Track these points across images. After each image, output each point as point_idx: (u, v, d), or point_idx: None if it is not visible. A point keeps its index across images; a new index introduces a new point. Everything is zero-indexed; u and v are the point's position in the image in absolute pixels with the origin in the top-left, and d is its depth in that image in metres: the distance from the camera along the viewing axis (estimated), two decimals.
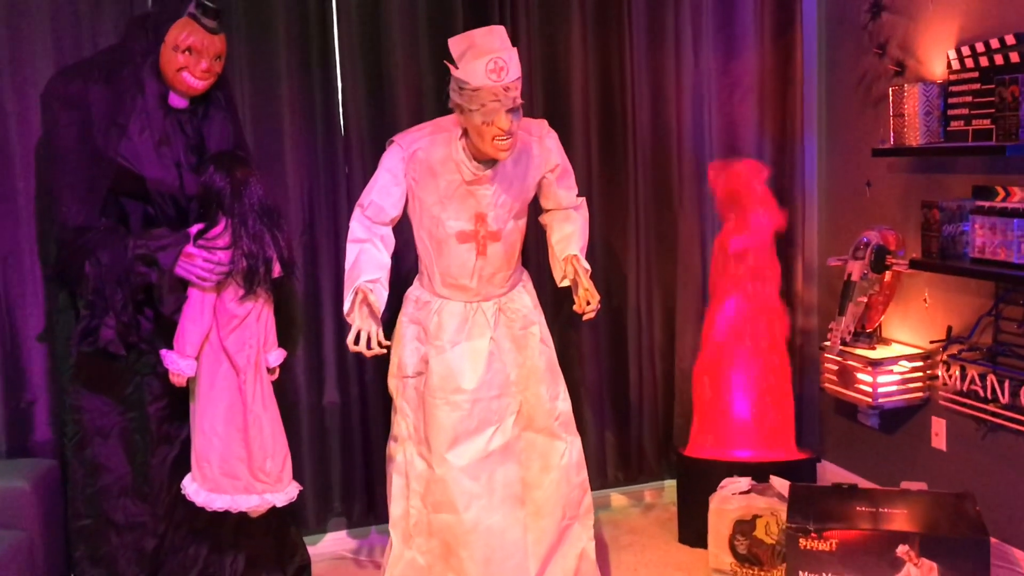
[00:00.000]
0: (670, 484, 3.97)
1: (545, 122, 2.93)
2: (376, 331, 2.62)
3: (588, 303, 2.75)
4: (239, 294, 2.80)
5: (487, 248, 2.80)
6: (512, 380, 2.89)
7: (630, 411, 3.88)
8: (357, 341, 2.60)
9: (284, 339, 3.27)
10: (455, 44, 2.62)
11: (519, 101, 2.61)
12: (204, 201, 2.80)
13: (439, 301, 2.87)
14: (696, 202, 3.85)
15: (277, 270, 2.86)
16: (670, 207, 3.86)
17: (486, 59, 2.53)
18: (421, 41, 3.48)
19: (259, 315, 2.88)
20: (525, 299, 2.95)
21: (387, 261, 2.75)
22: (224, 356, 2.83)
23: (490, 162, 2.75)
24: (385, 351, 2.64)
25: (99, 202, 2.72)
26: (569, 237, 2.89)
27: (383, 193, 2.76)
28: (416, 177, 2.77)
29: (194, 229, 2.76)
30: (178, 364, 2.78)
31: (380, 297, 2.66)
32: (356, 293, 2.62)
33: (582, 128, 3.71)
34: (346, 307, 2.63)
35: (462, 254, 2.80)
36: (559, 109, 3.68)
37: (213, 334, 2.82)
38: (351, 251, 2.74)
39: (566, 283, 2.87)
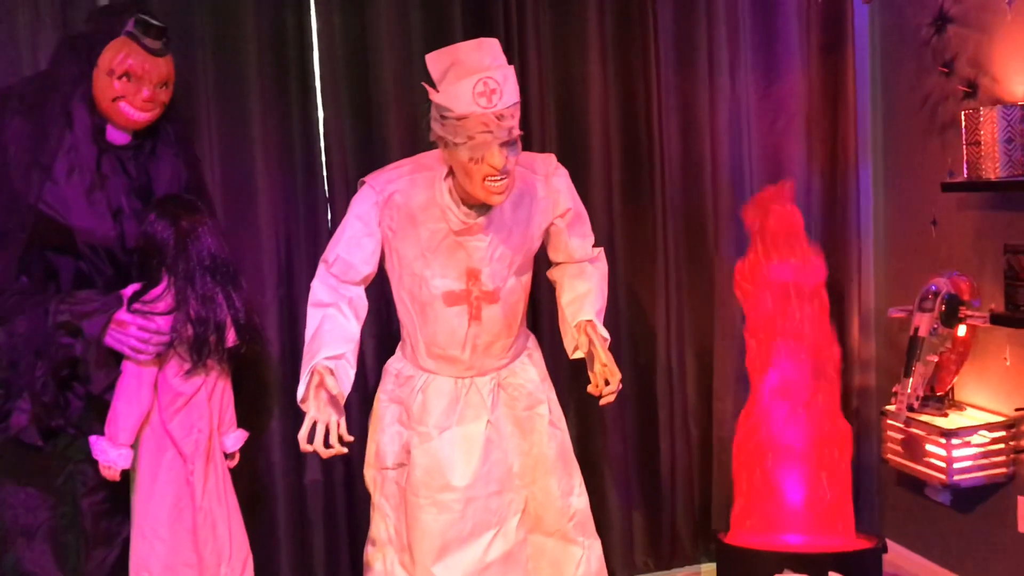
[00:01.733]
0: (708, 568, 3.45)
1: (553, 157, 2.45)
2: (336, 423, 2.10)
3: (607, 382, 2.23)
4: (184, 368, 2.33)
5: (482, 312, 2.32)
6: (516, 472, 2.40)
7: (661, 487, 3.38)
8: (312, 438, 2.08)
9: (256, 409, 2.83)
10: (435, 61, 2.15)
11: (516, 132, 2.13)
12: (144, 256, 2.34)
13: (424, 376, 2.39)
14: (735, 245, 3.36)
15: (232, 338, 2.39)
16: (704, 251, 3.38)
17: (473, 80, 2.06)
18: (415, 64, 3.02)
19: (211, 392, 2.41)
20: (530, 372, 2.46)
21: (355, 331, 2.25)
22: (169, 442, 2.37)
23: (483, 207, 2.27)
24: (346, 450, 2.13)
25: (14, 259, 2.27)
26: (583, 298, 2.39)
27: (352, 246, 2.28)
28: (393, 226, 2.30)
29: (129, 290, 2.31)
30: (108, 454, 2.31)
31: (344, 378, 2.17)
32: (312, 374, 2.12)
33: (602, 162, 3.25)
34: (300, 391, 2.12)
35: (450, 319, 2.32)
36: (575, 141, 3.22)
37: (155, 416, 2.35)
38: (311, 318, 2.26)
39: (580, 355, 2.36)
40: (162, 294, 2.30)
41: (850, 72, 3.35)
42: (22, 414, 2.28)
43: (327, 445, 2.08)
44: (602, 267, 2.53)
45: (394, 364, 2.47)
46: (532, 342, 2.56)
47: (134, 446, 2.35)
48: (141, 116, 2.34)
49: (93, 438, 2.33)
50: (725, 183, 3.35)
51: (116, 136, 2.38)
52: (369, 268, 2.31)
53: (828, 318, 3.22)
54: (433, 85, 2.14)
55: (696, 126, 3.33)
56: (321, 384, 2.11)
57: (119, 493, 2.45)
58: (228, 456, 2.51)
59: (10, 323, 2.25)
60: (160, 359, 2.33)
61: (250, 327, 2.43)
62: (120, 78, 2.29)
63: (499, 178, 2.13)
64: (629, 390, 3.31)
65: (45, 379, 2.27)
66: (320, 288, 2.29)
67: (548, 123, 3.19)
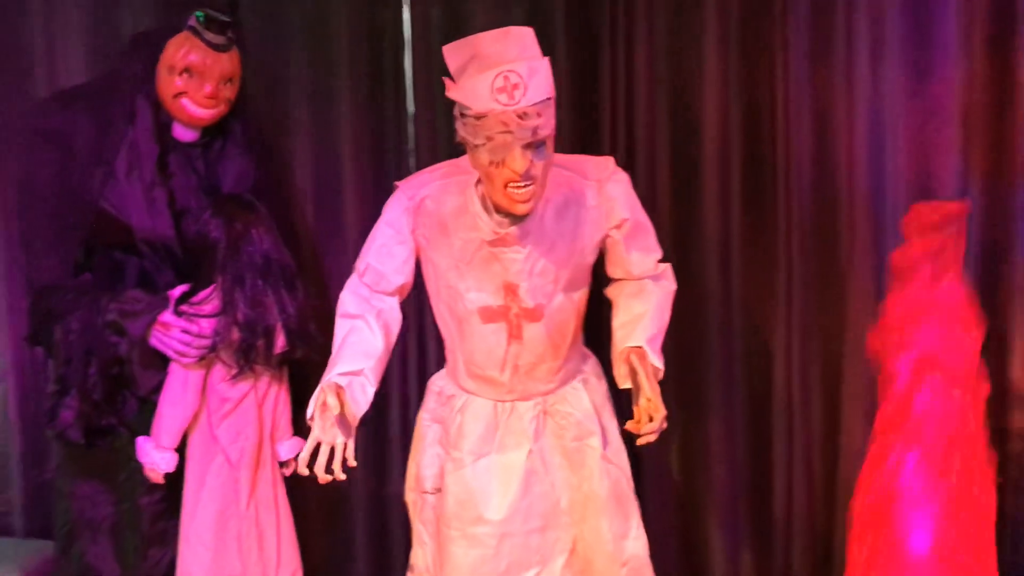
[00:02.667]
0: None
1: (611, 161, 2.20)
2: (343, 445, 1.92)
3: (651, 418, 1.96)
4: (231, 372, 2.26)
5: (522, 330, 2.11)
6: (564, 508, 2.18)
7: (774, 531, 3.03)
8: (314, 460, 1.91)
9: None
10: (453, 53, 1.95)
11: (544, 133, 1.91)
12: (196, 256, 2.30)
13: (464, 397, 2.21)
14: (872, 261, 2.96)
15: (281, 343, 2.30)
16: (834, 268, 2.99)
17: (493, 73, 1.85)
18: None
19: (262, 398, 2.34)
20: (582, 399, 2.23)
21: (379, 346, 2.07)
22: (218, 448, 2.31)
23: (516, 215, 2.06)
24: (344, 477, 1.93)
25: (71, 256, 2.28)
26: (636, 321, 2.13)
27: (383, 254, 2.13)
28: (426, 234, 2.13)
29: (177, 291, 2.27)
30: (152, 456, 2.28)
31: (357, 396, 1.99)
32: (322, 391, 1.95)
33: (718, 168, 2.93)
34: (310, 408, 1.97)
35: (487, 337, 2.14)
36: (687, 145, 2.93)
37: (204, 420, 2.30)
38: (338, 330, 2.11)
39: (629, 385, 2.10)
40: (210, 296, 2.25)
41: (1021, 69, 2.86)
42: (68, 411, 2.29)
43: (328, 470, 1.91)
44: (667, 286, 2.27)
45: (437, 381, 2.32)
46: (591, 366, 2.32)
47: (179, 449, 2.31)
48: (203, 113, 2.30)
49: (140, 439, 2.32)
50: (863, 192, 2.94)
51: (183, 133, 2.36)
52: (402, 278, 2.15)
53: (980, 350, 2.79)
54: (452, 78, 1.95)
55: (830, 129, 2.94)
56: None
57: (176, 494, 2.42)
58: (283, 464, 2.43)
59: (66, 320, 2.26)
60: (207, 362, 2.28)
61: (303, 333, 2.33)
62: (181, 74, 2.26)
63: (522, 184, 1.92)
64: (740, 420, 2.99)
65: (95, 377, 2.27)
66: (349, 298, 2.14)
67: (658, 124, 2.91)
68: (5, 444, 2.88)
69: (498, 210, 2.05)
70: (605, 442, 2.23)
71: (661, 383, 2.91)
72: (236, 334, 2.24)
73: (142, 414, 2.37)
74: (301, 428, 2.46)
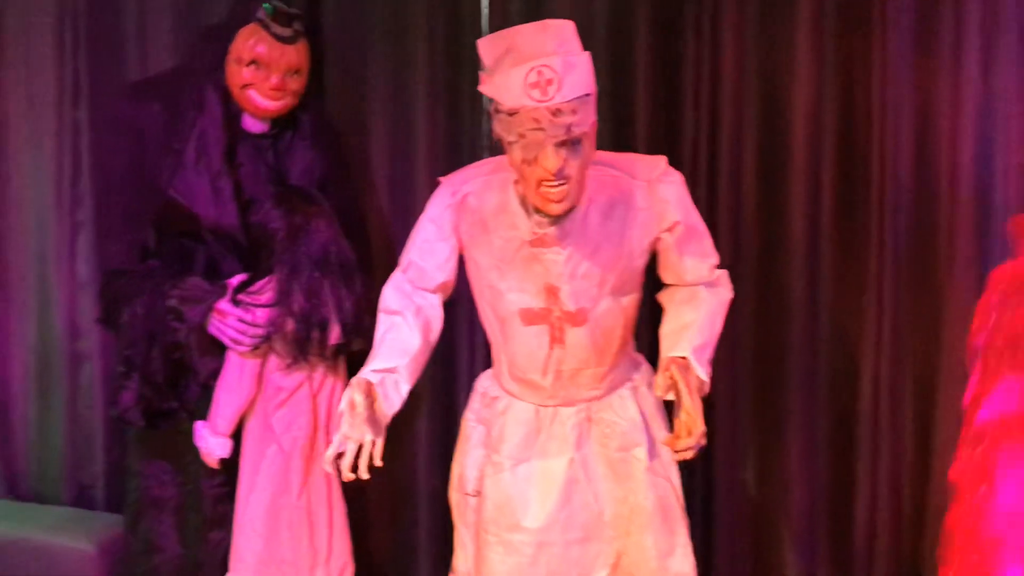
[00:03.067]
0: None
1: (663, 160, 2.09)
2: (371, 443, 1.86)
3: (690, 433, 1.85)
4: (285, 362, 2.27)
5: (565, 334, 2.03)
6: (607, 520, 2.09)
7: (854, 559, 2.85)
8: (341, 456, 1.86)
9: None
10: (488, 46, 1.88)
11: (578, 131, 1.82)
12: (256, 245, 2.32)
13: (507, 399, 2.15)
14: (974, 275, 2.74)
15: (336, 335, 2.30)
16: (933, 281, 2.79)
17: (526, 68, 1.78)
18: (594, 54, 2.75)
19: (317, 389, 2.35)
20: (629, 408, 2.13)
21: (416, 344, 2.03)
22: (272, 436, 2.33)
23: (553, 216, 1.98)
24: (368, 476, 1.86)
25: (140, 242, 2.34)
26: (684, 329, 2.01)
27: (425, 251, 2.08)
28: (469, 232, 2.07)
29: (235, 280, 2.29)
30: (208, 441, 2.32)
31: (389, 394, 1.95)
32: (352, 387, 1.91)
33: (808, 171, 2.76)
34: (342, 402, 1.93)
35: (529, 340, 2.06)
36: (776, 145, 2.77)
37: (260, 408, 2.33)
38: (378, 326, 2.08)
39: (670, 397, 1.96)
40: (267, 286, 2.27)
41: None
42: (129, 393, 2.35)
43: (354, 468, 1.85)
44: (722, 294, 2.14)
45: (482, 382, 2.26)
46: (641, 373, 2.22)
47: (234, 436, 2.34)
48: (270, 104, 2.32)
49: (198, 424, 2.36)
50: (967, 195, 2.73)
51: (252, 124, 2.39)
52: (444, 275, 2.10)
53: None
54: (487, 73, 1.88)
55: (933, 129, 2.72)
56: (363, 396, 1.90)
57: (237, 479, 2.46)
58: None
59: (132, 303, 2.32)
60: (263, 351, 2.30)
61: (359, 327, 2.32)
62: (248, 65, 2.29)
63: (555, 184, 1.83)
64: (822, 439, 2.82)
65: (158, 361, 2.32)
66: (390, 294, 2.10)
67: (745, 123, 2.77)
68: (90, 421, 2.98)
69: (537, 209, 1.98)
70: (652, 454, 2.13)
71: (731, 394, 2.80)
72: (291, 325, 2.26)
73: (204, 399, 2.41)
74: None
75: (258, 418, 2.34)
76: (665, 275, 2.16)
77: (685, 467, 2.82)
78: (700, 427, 1.86)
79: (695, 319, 2.03)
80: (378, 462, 1.86)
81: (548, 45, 1.81)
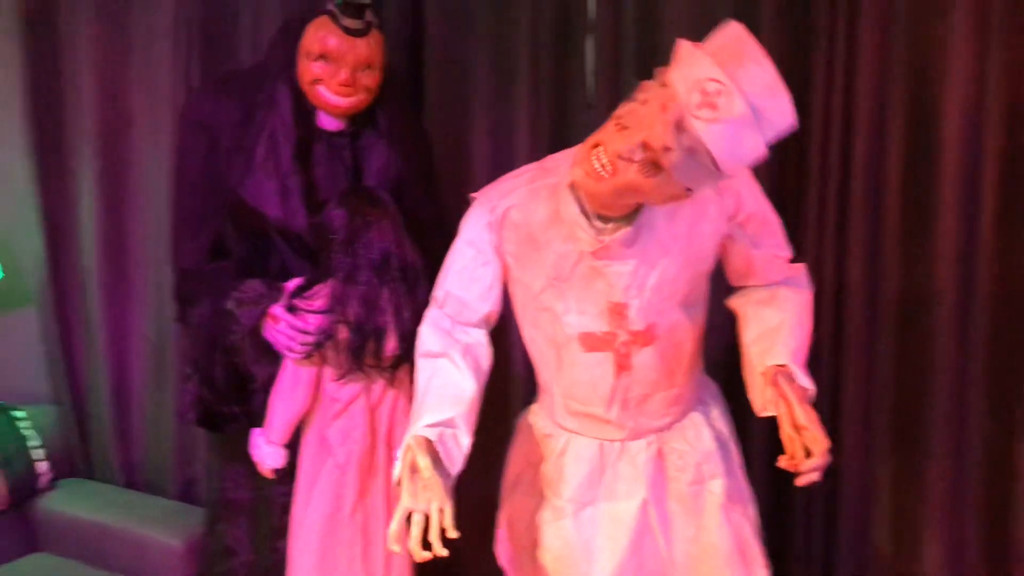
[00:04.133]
0: None
1: None
2: (440, 512, 1.55)
3: (811, 452, 1.60)
4: (339, 372, 2.16)
5: (631, 358, 1.79)
6: (675, 563, 1.83)
7: None
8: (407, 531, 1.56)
9: (491, 419, 2.60)
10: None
11: None
12: (318, 248, 2.21)
13: (564, 436, 1.90)
14: None
15: (393, 345, 2.16)
16: None
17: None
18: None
19: (376, 402, 2.22)
20: (703, 435, 1.87)
21: (469, 387, 1.74)
22: (329, 449, 2.22)
23: (622, 219, 1.73)
24: (447, 552, 1.53)
25: (207, 242, 2.29)
26: (773, 333, 1.76)
27: (465, 279, 1.82)
28: (514, 251, 1.82)
29: (292, 284, 2.19)
30: (262, 450, 2.23)
31: (451, 450, 1.66)
32: (407, 449, 1.63)
33: (964, 176, 2.37)
34: (396, 470, 1.63)
35: (591, 369, 1.81)
36: (925, 149, 2.39)
37: (317, 420, 2.22)
38: (420, 373, 1.81)
39: (772, 413, 1.71)
40: (321, 291, 2.16)
41: None
42: (189, 395, 2.31)
43: (425, 546, 1.54)
44: (804, 293, 1.84)
45: (530, 418, 2.01)
46: (712, 394, 1.95)
47: (289, 445, 2.25)
48: (340, 101, 2.20)
49: (254, 431, 2.28)
50: None
51: (328, 122, 2.28)
52: (488, 306, 1.84)
53: None
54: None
55: None
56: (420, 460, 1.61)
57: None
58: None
59: (200, 304, 2.28)
60: (318, 359, 2.19)
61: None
62: (318, 59, 2.18)
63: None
64: (974, 475, 2.41)
65: (219, 364, 2.27)
66: (429, 334, 1.83)
67: (889, 125, 2.40)
68: None
69: (600, 215, 1.73)
70: (730, 486, 1.87)
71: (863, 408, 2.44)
72: (344, 333, 2.13)
73: (266, 406, 2.34)
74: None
75: (314, 430, 2.23)
76: (735, 275, 1.90)
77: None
78: (823, 442, 1.60)
79: (783, 321, 1.77)
80: (452, 533, 1.56)
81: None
